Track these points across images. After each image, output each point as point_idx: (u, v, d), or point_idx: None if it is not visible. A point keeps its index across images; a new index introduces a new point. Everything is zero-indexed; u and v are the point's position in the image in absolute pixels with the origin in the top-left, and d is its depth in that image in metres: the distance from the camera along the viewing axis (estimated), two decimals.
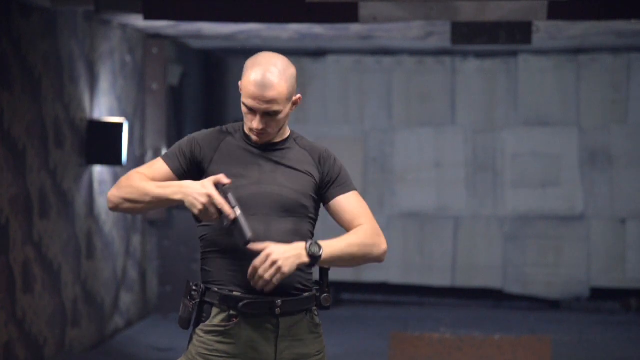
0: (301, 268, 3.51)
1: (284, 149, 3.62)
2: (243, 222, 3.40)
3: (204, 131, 3.67)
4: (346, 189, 3.64)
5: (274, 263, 3.39)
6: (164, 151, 10.06)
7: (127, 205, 3.53)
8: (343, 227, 3.65)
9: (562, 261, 11.35)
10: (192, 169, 3.60)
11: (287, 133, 3.66)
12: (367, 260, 3.59)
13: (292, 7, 7.06)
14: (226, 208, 3.40)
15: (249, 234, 3.39)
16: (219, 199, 3.40)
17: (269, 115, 3.51)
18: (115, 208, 3.56)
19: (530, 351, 8.37)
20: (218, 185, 3.43)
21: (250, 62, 3.54)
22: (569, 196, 11.34)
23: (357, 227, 3.59)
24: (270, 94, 3.49)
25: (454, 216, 11.49)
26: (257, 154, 3.60)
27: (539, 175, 11.40)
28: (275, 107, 3.50)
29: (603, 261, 11.27)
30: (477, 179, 11.49)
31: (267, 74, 3.49)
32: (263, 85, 3.48)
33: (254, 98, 3.49)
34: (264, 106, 3.49)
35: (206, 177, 3.55)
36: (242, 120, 3.67)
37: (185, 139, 3.65)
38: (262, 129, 3.53)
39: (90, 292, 8.65)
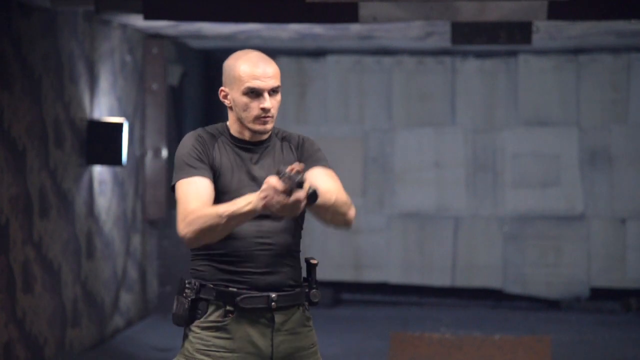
0: (294, 264, 3.60)
1: (269, 146, 3.66)
2: (300, 181, 3.33)
3: (198, 134, 3.61)
4: (322, 164, 3.65)
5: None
6: (164, 151, 10.06)
7: (207, 236, 3.45)
8: None
9: (562, 261, 11.35)
10: (210, 169, 3.57)
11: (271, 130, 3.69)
12: (339, 214, 3.54)
13: (292, 7, 7.06)
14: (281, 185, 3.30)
15: (310, 187, 3.35)
16: (275, 183, 3.30)
17: (274, 93, 3.57)
18: (194, 241, 3.48)
19: (530, 351, 8.37)
20: (279, 172, 3.34)
21: (231, 61, 3.61)
22: (569, 196, 11.34)
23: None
24: (271, 68, 3.56)
25: (454, 216, 11.49)
26: (245, 156, 3.62)
27: (539, 175, 11.40)
28: (278, 82, 3.58)
29: (603, 261, 11.27)
30: (477, 179, 11.49)
31: (258, 57, 3.58)
32: (260, 64, 3.56)
33: (258, 77, 3.54)
34: (271, 82, 3.55)
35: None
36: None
37: (186, 149, 3.56)
38: (269, 109, 3.55)
39: (90, 292, 8.65)
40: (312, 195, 3.39)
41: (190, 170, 3.53)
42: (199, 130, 3.66)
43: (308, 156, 3.66)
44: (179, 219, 3.52)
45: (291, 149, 3.68)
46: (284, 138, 3.71)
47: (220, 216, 3.41)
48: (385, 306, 11.37)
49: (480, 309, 11.26)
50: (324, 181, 3.55)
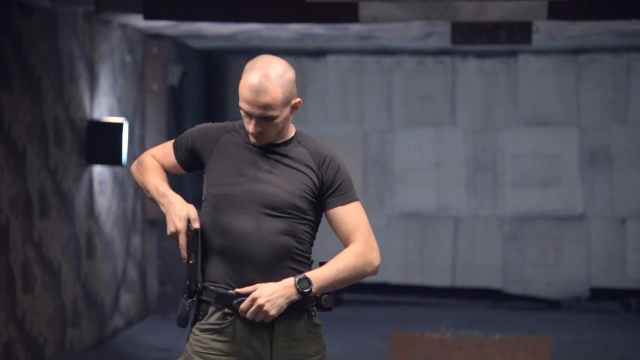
0: (300, 268, 3.56)
1: (285, 149, 3.59)
2: (194, 269, 3.58)
3: (210, 126, 3.68)
4: (346, 199, 3.61)
5: (260, 307, 3.45)
6: None
7: (138, 183, 3.76)
8: (339, 238, 3.65)
9: (562, 261, 11.35)
10: (193, 162, 3.68)
11: (292, 134, 3.63)
12: (360, 279, 3.68)
13: (292, 7, 7.06)
14: (183, 253, 3.59)
15: (193, 282, 3.57)
16: (182, 240, 3.58)
17: (265, 120, 3.50)
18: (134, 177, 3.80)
19: (530, 351, 8.37)
20: (189, 225, 3.56)
21: (249, 65, 3.53)
22: (569, 196, 11.34)
23: (351, 243, 3.61)
24: (264, 99, 3.47)
25: (454, 216, 11.49)
26: (256, 152, 3.58)
27: (539, 175, 11.40)
28: (270, 113, 3.48)
29: (603, 261, 11.27)
30: (477, 179, 11.49)
31: (263, 79, 3.46)
32: (257, 90, 3.46)
33: (249, 102, 3.48)
34: (259, 111, 3.47)
35: (205, 171, 3.62)
36: None
37: (191, 130, 3.70)
38: (258, 132, 3.51)
39: (90, 292, 8.65)
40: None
41: (175, 144, 3.73)
42: (212, 126, 3.68)
43: (328, 186, 3.59)
44: (145, 153, 3.81)
45: (313, 165, 3.59)
46: (309, 148, 3.62)
47: (145, 186, 3.70)
48: (385, 306, 11.37)
49: (480, 309, 11.26)
50: (347, 230, 3.61)
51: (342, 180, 3.60)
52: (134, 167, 3.77)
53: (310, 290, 3.48)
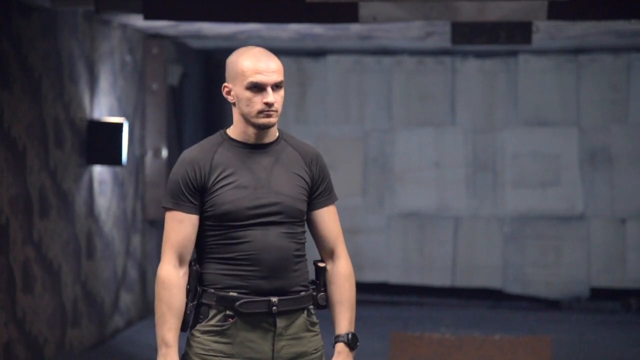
0: (299, 268, 3.59)
1: (276, 151, 3.62)
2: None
3: (191, 153, 3.60)
4: (331, 200, 3.69)
5: None
6: (164, 151, 10.06)
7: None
8: (317, 235, 3.69)
9: (562, 261, 11.35)
10: (200, 198, 3.57)
11: (277, 132, 3.66)
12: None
13: (292, 7, 7.06)
14: None
15: (193, 286, 3.57)
16: None
17: (277, 88, 3.56)
18: None
19: (530, 351, 8.37)
20: None
21: (234, 57, 3.62)
22: (569, 196, 11.34)
23: (335, 254, 3.68)
24: (274, 63, 3.57)
25: (454, 216, 11.49)
26: (250, 160, 3.58)
27: (539, 175, 11.40)
28: (281, 77, 3.57)
29: (603, 261, 11.27)
30: (477, 179, 11.50)
31: (261, 52, 3.60)
32: (263, 59, 3.57)
33: (261, 72, 3.54)
34: (274, 76, 3.55)
35: (208, 195, 3.54)
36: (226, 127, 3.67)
37: (178, 176, 3.56)
38: (273, 104, 3.54)
39: (90, 292, 8.65)
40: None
41: (178, 203, 3.56)
42: (194, 151, 3.59)
43: (320, 183, 3.66)
44: (162, 258, 3.57)
45: (304, 165, 3.64)
46: (296, 147, 3.67)
47: (156, 313, 3.55)
48: (385, 306, 11.37)
49: (480, 309, 11.26)
50: (329, 233, 3.69)
51: (327, 181, 3.70)
52: (157, 281, 3.57)
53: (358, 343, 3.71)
